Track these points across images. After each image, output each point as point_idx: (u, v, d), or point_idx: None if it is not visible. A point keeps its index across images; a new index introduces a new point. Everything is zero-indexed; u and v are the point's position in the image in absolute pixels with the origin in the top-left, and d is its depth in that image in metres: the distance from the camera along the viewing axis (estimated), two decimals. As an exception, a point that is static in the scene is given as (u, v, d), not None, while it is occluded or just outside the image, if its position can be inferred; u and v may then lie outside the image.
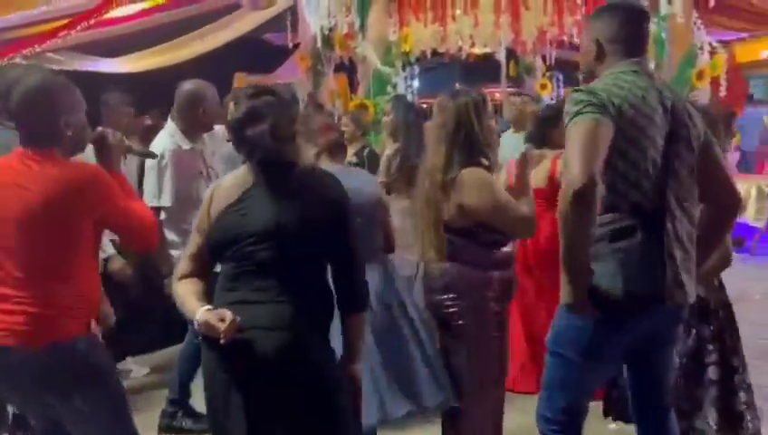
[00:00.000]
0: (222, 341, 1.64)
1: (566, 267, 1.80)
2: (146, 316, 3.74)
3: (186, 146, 3.07)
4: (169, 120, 3.15)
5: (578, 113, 1.74)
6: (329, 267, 1.89)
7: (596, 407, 2.37)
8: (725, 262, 2.42)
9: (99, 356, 1.91)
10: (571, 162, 1.69)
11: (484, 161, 2.29)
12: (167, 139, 3.07)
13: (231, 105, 1.84)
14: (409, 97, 5.68)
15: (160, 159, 2.97)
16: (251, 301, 1.75)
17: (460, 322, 2.33)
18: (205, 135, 3.17)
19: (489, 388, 2.39)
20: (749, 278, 5.66)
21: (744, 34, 11.68)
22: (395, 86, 5.13)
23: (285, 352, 1.73)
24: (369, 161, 4.10)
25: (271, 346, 1.71)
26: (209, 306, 1.72)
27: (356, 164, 4.40)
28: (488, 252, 2.29)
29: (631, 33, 1.91)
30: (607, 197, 1.80)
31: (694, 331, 2.51)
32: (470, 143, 2.26)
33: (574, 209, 1.68)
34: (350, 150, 4.55)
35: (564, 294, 1.85)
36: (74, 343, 1.84)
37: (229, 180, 1.89)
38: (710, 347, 2.50)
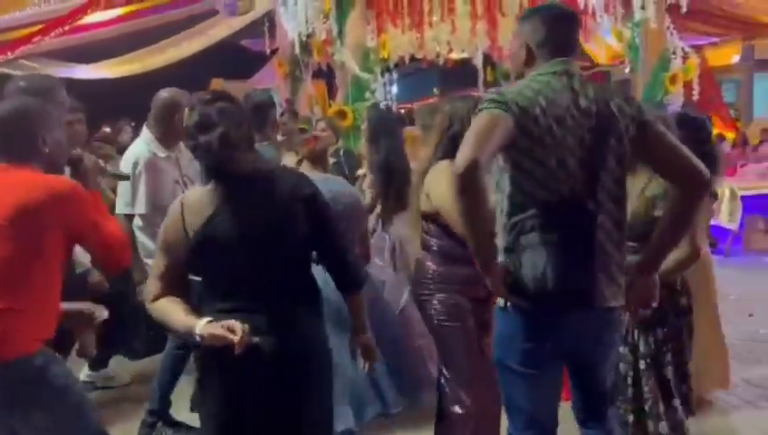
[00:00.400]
0: (237, 350, 1.65)
1: (474, 255, 1.84)
2: (126, 327, 3.71)
3: (161, 154, 3.05)
4: (145, 127, 3.13)
5: (480, 108, 1.80)
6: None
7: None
8: (694, 256, 2.38)
9: (56, 372, 1.86)
10: (460, 150, 1.72)
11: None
12: (142, 146, 3.06)
13: (186, 111, 1.83)
14: (388, 102, 5.70)
15: (135, 166, 2.96)
16: (246, 310, 1.75)
17: (439, 317, 2.39)
18: (181, 143, 3.15)
19: (477, 387, 2.40)
20: (724, 279, 5.76)
21: (715, 39, 11.93)
22: (373, 92, 5.14)
23: (290, 353, 1.78)
24: (346, 159, 4.15)
25: (277, 349, 1.74)
26: (208, 318, 1.72)
27: (334, 163, 4.44)
28: (464, 246, 2.32)
29: (558, 36, 1.90)
30: (514, 195, 1.82)
31: (652, 336, 2.52)
32: (454, 140, 2.31)
33: (459, 193, 1.72)
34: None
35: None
36: (30, 359, 1.80)
37: (197, 194, 1.84)
38: (664, 348, 2.51)
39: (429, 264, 2.44)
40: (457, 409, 2.42)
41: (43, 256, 1.82)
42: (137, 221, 3.03)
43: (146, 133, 3.10)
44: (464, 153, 1.69)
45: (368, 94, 5.03)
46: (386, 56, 5.89)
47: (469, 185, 1.69)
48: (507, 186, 1.85)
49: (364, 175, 3.65)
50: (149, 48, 9.02)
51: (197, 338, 1.71)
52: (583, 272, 1.82)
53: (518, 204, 1.82)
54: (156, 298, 1.83)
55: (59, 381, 1.86)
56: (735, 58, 12.38)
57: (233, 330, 1.66)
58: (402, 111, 11.46)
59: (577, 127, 1.81)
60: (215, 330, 1.68)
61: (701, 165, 1.86)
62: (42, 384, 1.81)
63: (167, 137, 3.06)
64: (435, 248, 2.42)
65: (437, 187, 2.34)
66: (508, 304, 1.88)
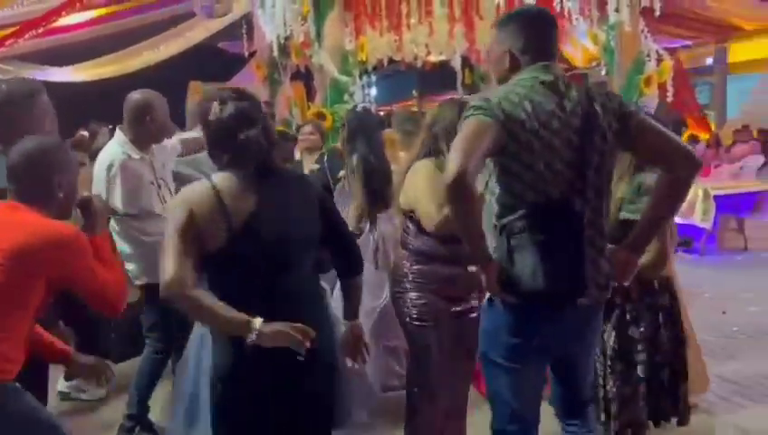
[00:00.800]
0: (300, 354, 1.66)
1: (470, 256, 1.90)
2: (103, 331, 3.67)
3: (135, 156, 3.03)
4: (118, 130, 3.11)
5: (466, 115, 1.83)
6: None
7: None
8: (662, 258, 2.42)
9: (19, 405, 1.80)
10: (449, 158, 1.75)
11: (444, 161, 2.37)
12: (116, 148, 3.03)
13: (215, 106, 1.77)
14: (367, 105, 5.71)
15: (109, 168, 2.94)
16: (284, 306, 1.74)
17: (412, 315, 2.42)
18: (154, 146, 3.13)
19: (445, 387, 2.42)
20: (698, 278, 5.87)
21: (689, 42, 12.13)
22: (352, 95, 5.14)
23: (321, 361, 1.81)
24: (330, 162, 4.16)
25: (310, 358, 1.74)
26: (261, 318, 1.66)
27: (318, 169, 4.44)
28: (440, 245, 2.36)
29: (540, 40, 1.94)
30: (504, 197, 1.86)
31: (625, 336, 2.55)
32: (435, 140, 2.40)
33: (451, 200, 1.76)
34: (312, 158, 4.58)
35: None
36: None
37: (230, 183, 1.76)
38: (639, 347, 2.54)
39: (405, 262, 2.47)
40: (426, 407, 2.43)
41: (23, 300, 1.80)
42: (112, 224, 2.99)
43: (119, 135, 3.07)
44: (453, 162, 1.72)
45: (346, 97, 5.01)
46: (364, 58, 5.88)
47: (460, 193, 1.72)
48: (496, 188, 1.88)
49: (344, 177, 3.66)
50: (126, 51, 8.94)
51: (253, 336, 1.64)
52: (574, 271, 1.85)
53: (507, 206, 1.86)
54: (189, 285, 1.67)
55: (22, 414, 1.80)
56: (709, 60, 12.60)
57: (302, 331, 1.66)
58: (382, 113, 11.49)
59: (563, 129, 1.85)
60: (282, 328, 1.65)
61: (689, 146, 1.93)
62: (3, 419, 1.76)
63: (140, 139, 3.04)
64: (411, 247, 2.46)
65: (413, 185, 2.38)
66: (497, 299, 1.91)
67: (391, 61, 7.28)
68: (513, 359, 1.94)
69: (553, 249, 1.82)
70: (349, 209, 3.49)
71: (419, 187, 2.33)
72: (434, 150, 2.41)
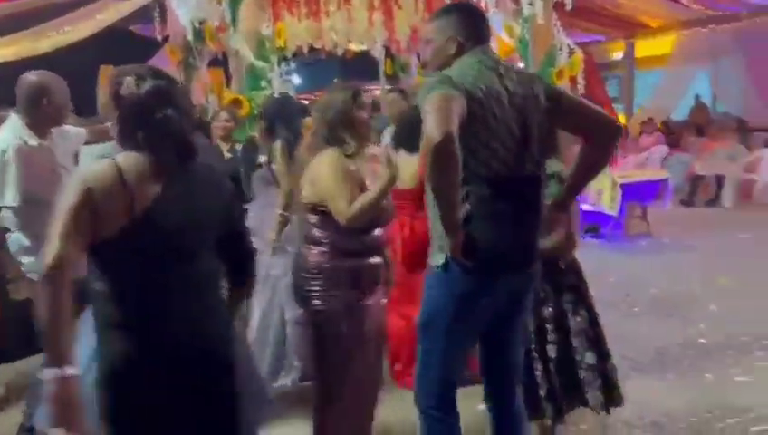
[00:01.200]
0: None
1: (441, 218, 1.95)
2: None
3: (33, 142, 2.85)
4: (13, 113, 2.91)
5: (431, 90, 1.88)
6: None
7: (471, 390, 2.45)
8: (571, 240, 2.57)
9: None
10: (427, 127, 1.79)
11: (348, 149, 2.35)
12: (9, 134, 2.84)
13: (129, 80, 1.63)
14: (285, 92, 5.63)
15: (2, 155, 2.76)
16: (181, 298, 1.66)
17: (319, 312, 2.36)
18: (54, 131, 2.96)
19: (349, 385, 2.40)
20: (605, 263, 6.16)
21: (600, 37, 12.65)
22: (269, 81, 5.06)
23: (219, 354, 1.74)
24: (244, 152, 4.11)
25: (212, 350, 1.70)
26: (70, 369, 1.50)
27: (231, 159, 4.35)
28: (350, 238, 2.33)
29: (478, 27, 2.11)
30: (462, 171, 1.91)
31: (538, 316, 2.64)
32: (333, 129, 2.35)
33: (435, 163, 1.79)
34: (226, 146, 4.48)
35: (443, 248, 2.00)
36: None
37: (134, 161, 1.62)
38: (549, 327, 2.65)
39: (313, 258, 2.36)
40: (330, 406, 2.42)
41: None
42: (5, 214, 2.82)
43: (14, 120, 2.88)
44: (436, 127, 1.76)
45: (263, 83, 4.94)
46: (282, 45, 5.80)
47: (446, 155, 1.76)
48: None
49: (264, 163, 3.60)
50: (32, 30, 8.43)
51: (45, 376, 1.47)
52: (526, 239, 2.06)
53: (464, 179, 1.93)
54: (72, 271, 1.52)
55: None
56: (619, 55, 13.18)
57: None
58: (305, 101, 11.35)
59: (510, 108, 1.98)
60: (63, 416, 1.48)
61: (609, 115, 2.14)
62: None
63: (37, 123, 2.86)
64: (321, 240, 2.35)
65: (319, 177, 2.30)
66: (453, 264, 2.00)
67: (312, 49, 7.24)
68: (460, 321, 2.05)
69: (508, 219, 1.99)
70: (266, 197, 3.44)
71: (327, 178, 2.26)
72: (333, 139, 2.35)
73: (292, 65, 8.64)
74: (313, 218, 2.36)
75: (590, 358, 2.66)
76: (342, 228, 2.26)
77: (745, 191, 9.28)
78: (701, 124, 11.09)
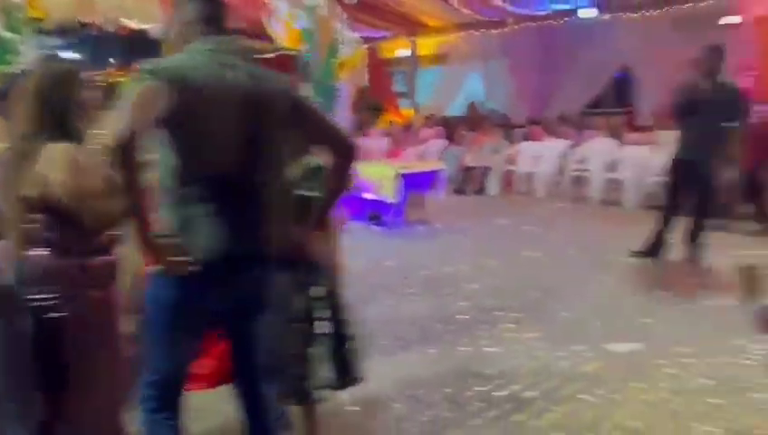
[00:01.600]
0: None
1: (136, 229, 1.87)
2: None
3: None
4: None
5: (135, 82, 1.82)
6: None
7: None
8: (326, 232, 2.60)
9: None
10: (116, 122, 1.74)
11: (75, 135, 2.15)
12: None
13: None
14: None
15: None
16: None
17: (52, 313, 2.12)
18: None
19: (96, 386, 2.22)
20: (385, 249, 6.50)
21: (387, 34, 13.24)
22: (19, 55, 4.52)
23: None
24: None
25: None
26: None
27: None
28: (77, 237, 2.13)
29: (210, 15, 2.02)
30: (177, 169, 1.88)
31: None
32: (54, 114, 2.12)
33: (116, 167, 1.75)
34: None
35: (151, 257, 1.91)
36: None
37: None
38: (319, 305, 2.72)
39: (41, 259, 2.12)
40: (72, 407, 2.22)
41: None
42: None
43: None
44: (120, 125, 1.70)
45: (10, 57, 4.41)
46: (40, 16, 5.20)
47: (125, 157, 1.71)
48: (169, 160, 1.87)
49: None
50: None
51: None
52: (246, 237, 1.96)
53: (179, 177, 1.87)
54: None
55: None
56: (406, 52, 13.92)
57: None
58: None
59: (232, 103, 1.91)
60: None
61: (347, 135, 2.17)
62: None
63: None
64: (50, 241, 2.12)
65: (60, 172, 2.06)
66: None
67: (85, 25, 6.61)
68: (179, 324, 1.97)
69: (227, 217, 1.91)
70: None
71: (68, 175, 2.05)
72: (65, 128, 2.12)
73: (59, 41, 7.84)
74: (40, 218, 2.11)
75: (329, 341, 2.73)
76: (72, 227, 2.08)
77: (507, 181, 10.39)
78: (474, 120, 12.15)
